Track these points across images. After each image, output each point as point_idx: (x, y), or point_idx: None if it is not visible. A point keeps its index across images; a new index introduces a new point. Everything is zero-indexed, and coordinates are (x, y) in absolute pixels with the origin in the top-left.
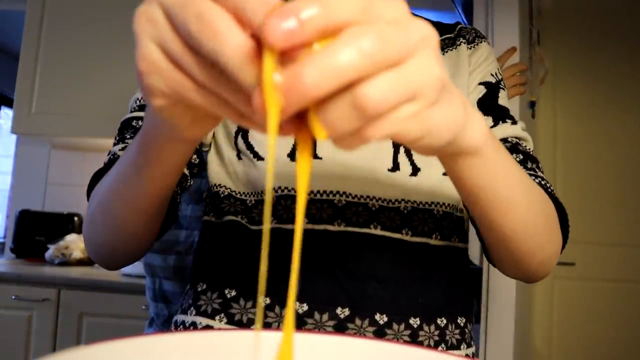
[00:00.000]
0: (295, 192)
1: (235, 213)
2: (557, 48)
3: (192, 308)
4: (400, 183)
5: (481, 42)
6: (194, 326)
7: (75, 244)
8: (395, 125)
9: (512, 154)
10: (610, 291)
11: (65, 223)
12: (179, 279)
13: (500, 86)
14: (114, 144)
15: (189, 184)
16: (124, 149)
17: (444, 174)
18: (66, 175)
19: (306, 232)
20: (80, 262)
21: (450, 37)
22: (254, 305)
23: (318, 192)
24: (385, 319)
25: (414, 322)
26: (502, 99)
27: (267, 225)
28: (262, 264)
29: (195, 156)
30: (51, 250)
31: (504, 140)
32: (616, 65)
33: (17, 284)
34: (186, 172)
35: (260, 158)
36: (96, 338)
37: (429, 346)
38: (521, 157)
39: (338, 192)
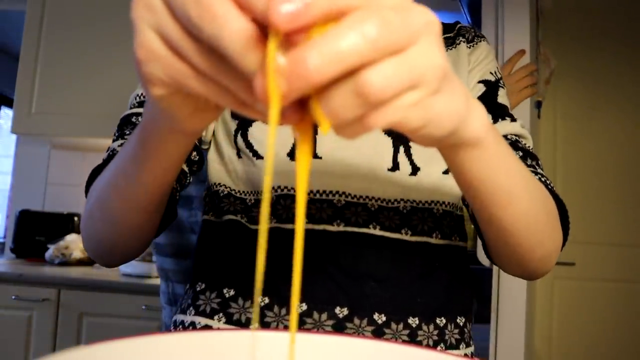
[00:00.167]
0: (294, 191)
1: (235, 212)
2: (557, 48)
3: (191, 308)
4: (400, 183)
5: (480, 41)
6: (193, 326)
7: (75, 244)
8: (397, 113)
9: None
10: (610, 291)
11: (65, 223)
12: None
13: (500, 84)
14: (113, 140)
15: (188, 181)
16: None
17: (444, 173)
18: (66, 175)
19: (306, 232)
20: (80, 262)
21: (450, 37)
22: (252, 305)
23: (317, 191)
24: (384, 318)
25: (413, 321)
26: (502, 97)
27: (264, 224)
28: (259, 263)
29: (195, 153)
30: (51, 250)
31: (504, 138)
32: (616, 66)
33: (17, 284)
34: (185, 169)
35: (259, 157)
36: (96, 338)
37: (427, 346)
38: (521, 154)
39: (338, 192)
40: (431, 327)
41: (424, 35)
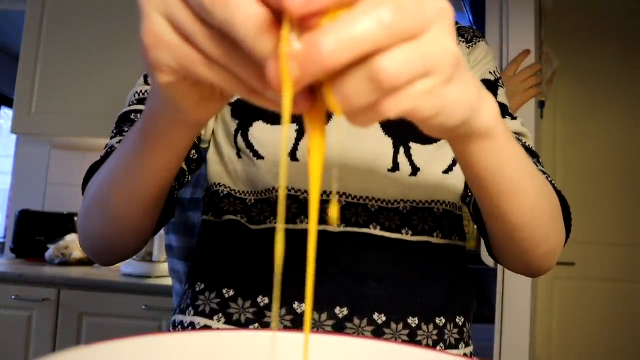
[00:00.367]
0: (295, 191)
1: (235, 212)
2: (557, 48)
3: (190, 308)
4: (400, 183)
5: (479, 41)
6: (192, 326)
7: (75, 244)
8: (410, 101)
9: None
10: (610, 291)
11: (65, 223)
12: None
13: (499, 84)
14: (111, 138)
15: (187, 179)
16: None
17: (444, 172)
18: (66, 175)
19: (306, 232)
20: (80, 262)
21: None
22: (252, 305)
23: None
24: (384, 318)
25: (413, 321)
26: (501, 97)
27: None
28: (277, 268)
29: (194, 151)
30: (51, 250)
31: None
32: (616, 65)
33: (17, 284)
34: (184, 167)
35: (260, 157)
36: (96, 338)
37: (427, 346)
38: None
39: (338, 192)
40: (431, 327)
41: (437, 22)
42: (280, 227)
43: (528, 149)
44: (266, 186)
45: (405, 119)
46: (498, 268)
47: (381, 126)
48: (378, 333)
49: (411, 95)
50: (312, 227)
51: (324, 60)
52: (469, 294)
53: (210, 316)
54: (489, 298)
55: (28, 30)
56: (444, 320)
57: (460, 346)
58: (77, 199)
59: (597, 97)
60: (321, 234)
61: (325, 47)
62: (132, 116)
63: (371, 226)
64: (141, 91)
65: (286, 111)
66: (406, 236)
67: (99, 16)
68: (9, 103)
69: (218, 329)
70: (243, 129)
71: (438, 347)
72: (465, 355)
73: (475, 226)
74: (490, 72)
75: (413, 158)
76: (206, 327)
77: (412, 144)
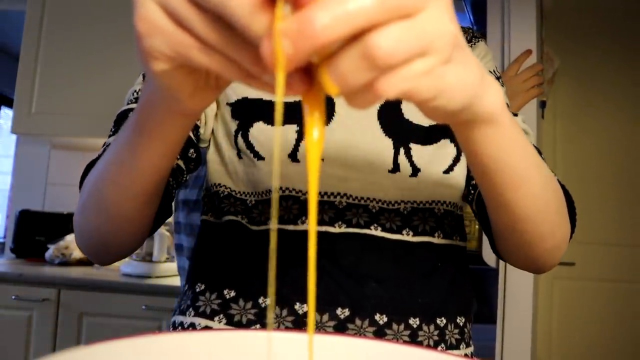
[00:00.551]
0: (296, 192)
1: (235, 213)
2: (557, 48)
3: (190, 309)
4: (400, 184)
5: (478, 41)
6: (192, 327)
7: (75, 243)
8: (407, 81)
9: None
10: (610, 291)
11: (65, 223)
12: None
13: (499, 83)
14: (109, 136)
15: (185, 178)
16: None
17: (445, 172)
18: (66, 175)
19: (307, 233)
20: (80, 262)
21: None
22: (253, 306)
23: (319, 193)
24: (385, 319)
25: (414, 322)
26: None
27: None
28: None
29: (192, 150)
30: (51, 250)
31: None
32: (615, 66)
33: (17, 284)
34: (183, 166)
35: (260, 157)
36: (96, 338)
37: (428, 346)
38: None
39: (339, 193)
40: (431, 327)
41: (434, 1)
42: (274, 213)
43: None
44: (267, 187)
45: (405, 119)
46: (499, 268)
47: (381, 127)
48: (380, 334)
49: (408, 75)
50: (312, 211)
51: (317, 35)
52: (469, 294)
53: (211, 317)
54: (489, 298)
55: (28, 30)
56: (444, 321)
57: (461, 346)
58: (77, 198)
59: (597, 96)
60: (322, 235)
61: (318, 22)
62: (130, 114)
63: (372, 227)
64: (140, 89)
65: (279, 88)
66: (407, 237)
67: (99, 16)
68: (9, 103)
69: (219, 329)
70: (243, 129)
71: (439, 348)
72: (466, 355)
73: (477, 226)
74: (490, 72)
75: (413, 158)
76: (207, 328)
77: (412, 145)
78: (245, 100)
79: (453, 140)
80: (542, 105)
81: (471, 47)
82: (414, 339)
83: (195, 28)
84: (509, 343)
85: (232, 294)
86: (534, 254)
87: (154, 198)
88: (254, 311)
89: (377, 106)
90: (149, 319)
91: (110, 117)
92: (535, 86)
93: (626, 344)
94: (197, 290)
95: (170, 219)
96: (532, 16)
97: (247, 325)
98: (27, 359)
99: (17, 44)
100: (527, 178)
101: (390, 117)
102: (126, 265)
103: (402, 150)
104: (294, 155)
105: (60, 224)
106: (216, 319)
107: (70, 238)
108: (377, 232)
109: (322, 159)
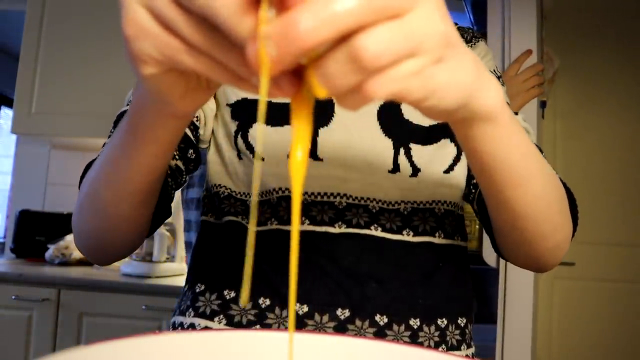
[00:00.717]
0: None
1: (236, 213)
2: (556, 47)
3: (190, 309)
4: (401, 184)
5: (478, 41)
6: (192, 328)
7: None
8: (396, 82)
9: None
10: (610, 291)
11: (65, 223)
12: None
13: (499, 82)
14: (109, 137)
15: (184, 179)
16: None
17: (445, 172)
18: (66, 175)
19: (307, 234)
20: (80, 262)
21: None
22: (253, 307)
23: (319, 193)
24: (385, 320)
25: (414, 322)
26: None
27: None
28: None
29: (191, 150)
30: (51, 250)
31: None
32: (616, 65)
33: (17, 284)
34: (182, 167)
35: (260, 158)
36: (96, 338)
37: (429, 347)
38: None
39: (339, 194)
40: (432, 328)
41: (423, 1)
42: (253, 212)
43: None
44: (267, 187)
45: (405, 120)
46: (500, 268)
47: (381, 127)
48: (380, 335)
49: (396, 76)
50: (295, 210)
51: (301, 39)
52: (470, 294)
53: (210, 317)
54: (489, 298)
55: (28, 30)
56: (445, 322)
57: (462, 347)
58: (76, 199)
59: (597, 96)
60: (322, 235)
61: (302, 25)
62: (124, 115)
63: (372, 227)
64: None
65: (263, 91)
66: (407, 237)
67: (100, 16)
68: (9, 103)
69: (219, 329)
70: (243, 130)
71: (440, 349)
72: (467, 356)
73: (477, 226)
74: (491, 71)
75: (413, 159)
76: (207, 329)
77: (412, 145)
78: (244, 101)
79: (453, 139)
80: (543, 105)
81: (471, 47)
82: (414, 340)
83: (181, 30)
84: (510, 343)
85: (232, 294)
86: (535, 252)
87: (149, 197)
88: (254, 312)
89: (376, 107)
90: (149, 319)
91: (110, 117)
92: (535, 86)
93: (626, 344)
94: (197, 290)
95: (171, 219)
96: (533, 16)
97: (247, 325)
98: (27, 359)
99: (17, 44)
100: (527, 176)
101: (390, 117)
102: (126, 265)
103: (402, 151)
104: None
105: (60, 224)
106: (216, 319)
107: (70, 238)
108: (377, 232)
109: (322, 159)
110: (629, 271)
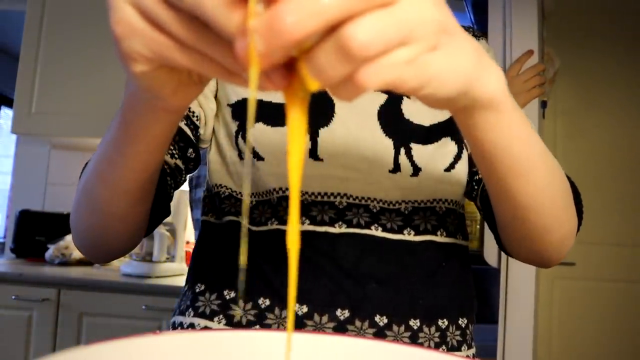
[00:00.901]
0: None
1: (236, 214)
2: (556, 47)
3: (190, 309)
4: (401, 184)
5: (479, 40)
6: (192, 327)
7: None
8: (388, 71)
9: None
10: (610, 291)
11: (65, 223)
12: None
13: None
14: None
15: (183, 178)
16: None
17: (446, 170)
18: (66, 175)
19: (307, 234)
20: (80, 262)
21: None
22: (253, 307)
23: (319, 193)
24: (385, 320)
25: (414, 323)
26: None
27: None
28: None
29: (191, 150)
30: (51, 250)
31: None
32: (616, 65)
33: (17, 284)
34: (181, 166)
35: (260, 158)
36: (96, 338)
37: (429, 347)
38: None
39: (339, 193)
40: (432, 329)
41: None
42: (245, 213)
43: None
44: (267, 187)
45: (405, 119)
46: (501, 268)
47: (381, 127)
48: (380, 335)
49: (389, 65)
50: (294, 209)
51: (288, 31)
52: (471, 295)
53: (210, 317)
54: (490, 298)
55: (28, 30)
56: (446, 322)
57: (462, 348)
58: None
59: (597, 96)
60: (322, 235)
61: (288, 18)
62: (117, 112)
63: (372, 227)
64: None
65: (252, 85)
66: (408, 236)
67: (99, 16)
68: (9, 103)
69: (219, 329)
70: (244, 130)
71: (440, 349)
72: (468, 357)
73: (478, 226)
74: None
75: (414, 158)
76: (206, 329)
77: (412, 145)
78: (245, 101)
79: (454, 138)
80: (543, 105)
81: None
82: (414, 341)
83: (170, 28)
84: (510, 343)
85: (232, 294)
86: (539, 246)
87: (144, 195)
88: (254, 312)
89: (377, 106)
90: (149, 319)
91: (110, 117)
92: (536, 86)
93: (626, 343)
94: (197, 290)
95: (170, 219)
96: (534, 16)
97: (247, 326)
98: (27, 359)
99: (17, 44)
100: (529, 167)
101: (391, 117)
102: (126, 265)
103: (402, 150)
104: None
105: (60, 224)
106: (215, 319)
107: (70, 238)
108: (378, 232)
109: (322, 160)
110: (629, 271)
